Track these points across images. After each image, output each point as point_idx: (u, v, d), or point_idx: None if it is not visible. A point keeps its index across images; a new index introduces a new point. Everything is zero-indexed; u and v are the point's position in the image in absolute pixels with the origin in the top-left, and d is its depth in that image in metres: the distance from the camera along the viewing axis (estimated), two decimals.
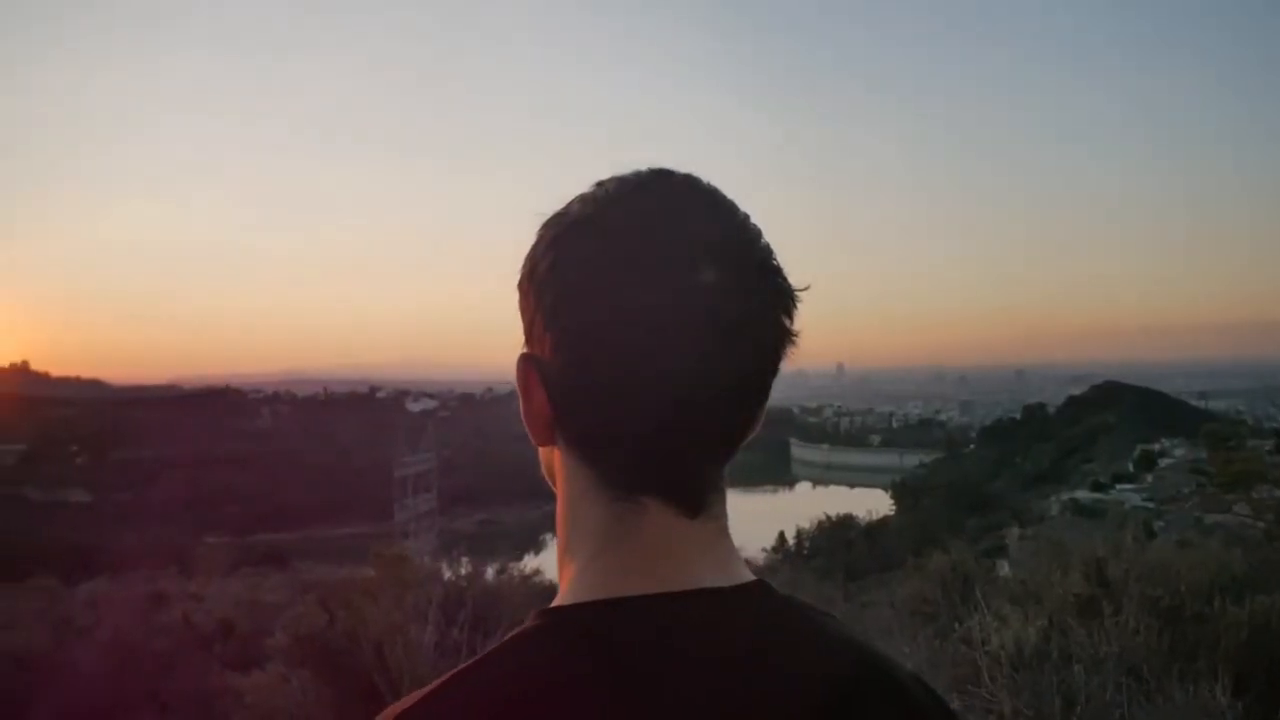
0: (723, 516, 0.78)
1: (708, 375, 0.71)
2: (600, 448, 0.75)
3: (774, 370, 0.77)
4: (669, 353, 0.70)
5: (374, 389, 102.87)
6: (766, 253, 0.76)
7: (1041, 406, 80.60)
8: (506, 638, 0.71)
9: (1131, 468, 53.87)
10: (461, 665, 0.69)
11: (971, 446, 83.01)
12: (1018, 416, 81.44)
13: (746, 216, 0.78)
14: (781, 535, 49.06)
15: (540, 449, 0.82)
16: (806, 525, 51.69)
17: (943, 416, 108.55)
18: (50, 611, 13.26)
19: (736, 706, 0.68)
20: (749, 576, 0.77)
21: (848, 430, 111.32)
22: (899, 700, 0.75)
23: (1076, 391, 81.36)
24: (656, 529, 0.74)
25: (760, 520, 54.28)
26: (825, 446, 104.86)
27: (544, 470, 0.83)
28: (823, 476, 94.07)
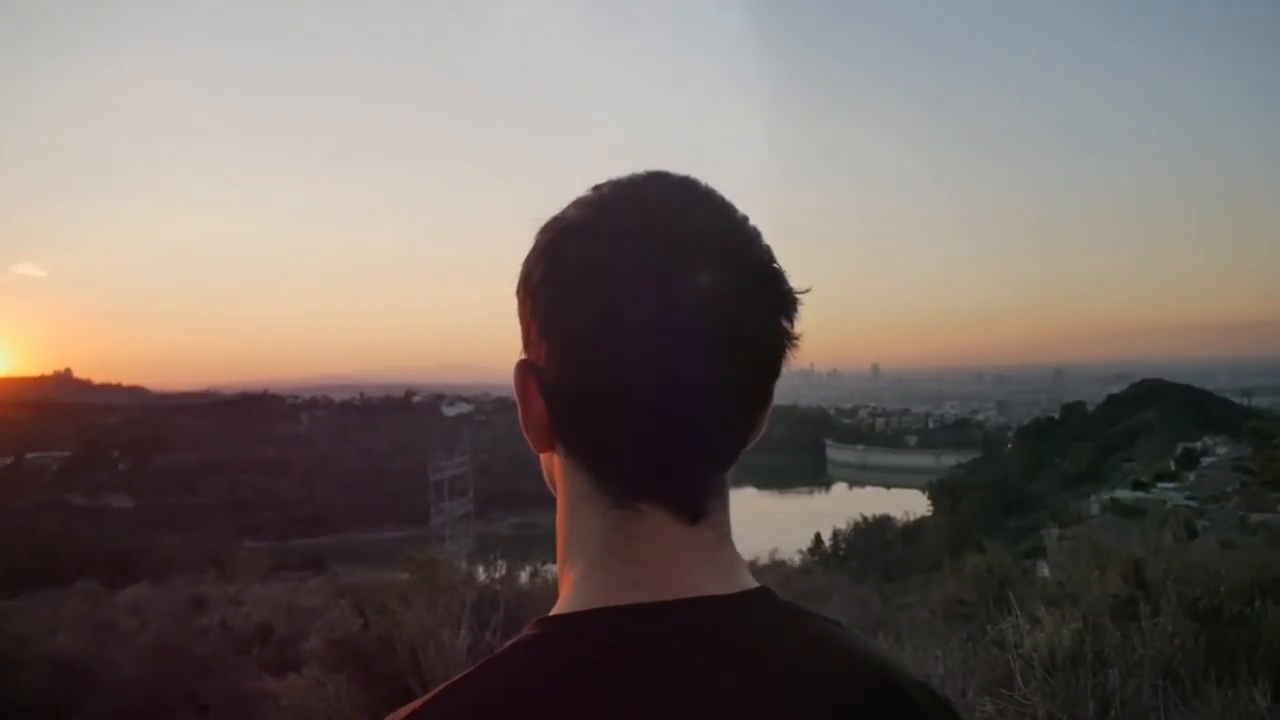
0: (724, 523, 0.77)
1: (705, 380, 0.70)
2: (597, 455, 0.74)
3: (774, 375, 0.76)
4: (664, 358, 0.69)
5: (410, 393, 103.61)
6: (766, 255, 0.75)
7: (1080, 405, 79.67)
8: (503, 646, 0.70)
9: (1173, 466, 53.16)
10: (459, 674, 0.69)
11: (1009, 446, 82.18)
12: (1056, 416, 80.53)
13: (745, 218, 0.76)
14: (818, 537, 48.86)
15: (541, 456, 0.81)
16: (843, 526, 51.46)
17: (980, 416, 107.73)
18: (93, 616, 13.47)
19: (734, 717, 0.66)
20: (751, 584, 0.75)
21: (883, 431, 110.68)
22: (903, 710, 0.73)
23: (1116, 390, 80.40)
24: (655, 536, 0.72)
25: (796, 522, 54.16)
26: (861, 447, 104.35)
27: (545, 477, 0.82)
28: (858, 478, 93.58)
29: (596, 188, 0.76)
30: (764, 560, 13.44)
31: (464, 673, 0.69)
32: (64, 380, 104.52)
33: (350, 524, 65.59)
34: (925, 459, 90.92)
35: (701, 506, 0.74)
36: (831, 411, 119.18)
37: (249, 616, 11.41)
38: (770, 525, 44.36)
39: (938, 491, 67.39)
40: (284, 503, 70.69)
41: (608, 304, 0.70)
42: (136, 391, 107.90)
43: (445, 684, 0.68)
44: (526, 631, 0.70)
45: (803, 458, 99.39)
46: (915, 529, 51.54)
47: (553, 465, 0.80)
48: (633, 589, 0.71)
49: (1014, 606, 4.20)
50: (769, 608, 0.74)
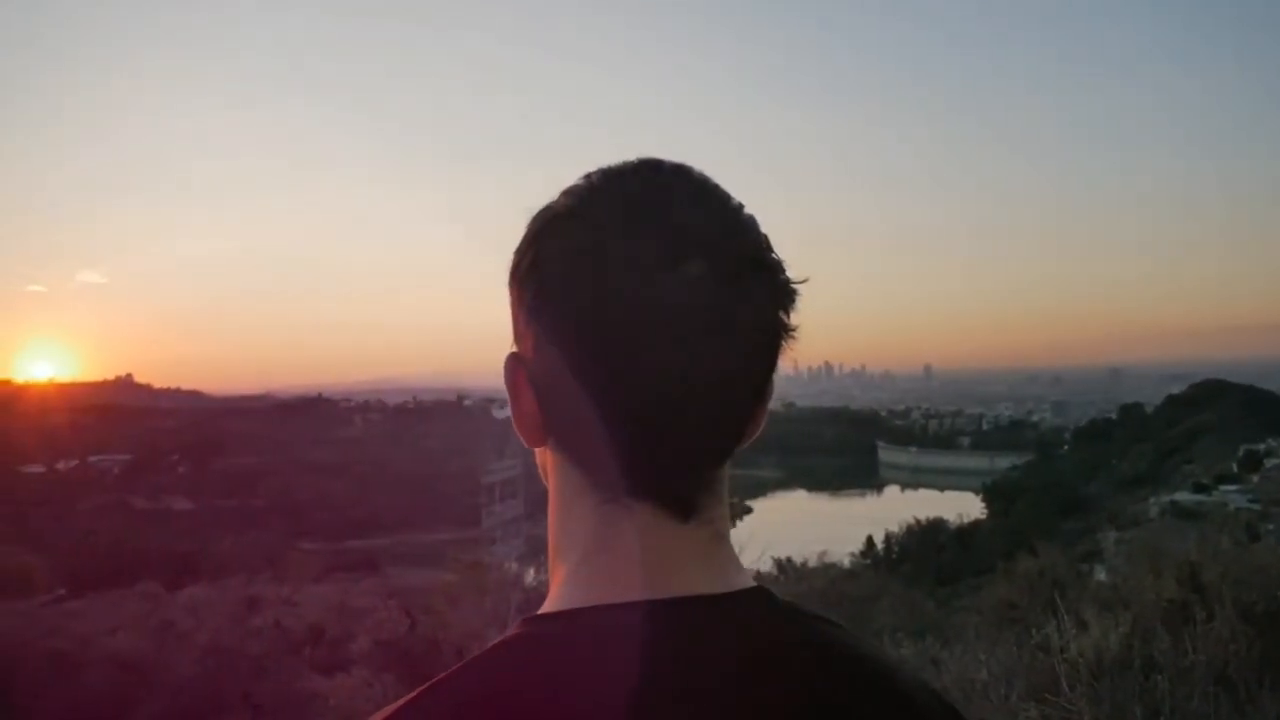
0: (719, 520, 0.75)
1: (695, 373, 0.67)
2: (586, 449, 0.72)
3: (769, 367, 0.73)
4: (652, 350, 0.66)
5: (461, 396, 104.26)
6: (759, 245, 0.73)
7: (1138, 406, 78.17)
8: (490, 645, 0.69)
9: (1235, 468, 51.92)
10: (444, 672, 0.67)
11: (1065, 448, 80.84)
12: (1113, 417, 79.12)
13: (740, 207, 0.74)
14: (869, 540, 48.39)
15: (536, 451, 0.79)
16: (895, 529, 50.93)
17: (1035, 418, 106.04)
18: (152, 616, 13.74)
19: (722, 718, 0.65)
20: (746, 583, 0.73)
21: (936, 432, 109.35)
22: (904, 715, 0.72)
23: (1175, 390, 78.64)
24: (645, 533, 0.71)
25: (848, 524, 53.73)
26: (913, 449, 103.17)
27: (540, 472, 0.80)
28: (911, 480, 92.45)
29: (587, 176, 0.74)
30: (813, 563, 13.32)
31: (449, 671, 0.67)
32: (125, 385, 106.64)
33: (403, 526, 66.13)
34: (979, 461, 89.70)
35: (693, 503, 0.72)
36: (883, 413, 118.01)
37: (302, 617, 11.59)
38: (821, 528, 44.03)
39: (992, 494, 66.50)
40: (338, 504, 71.46)
41: (593, 294, 0.67)
42: (195, 396, 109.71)
43: (430, 682, 0.67)
44: (513, 630, 0.69)
45: (854, 460, 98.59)
46: (969, 532, 50.84)
47: (546, 461, 0.78)
48: (621, 588, 0.69)
49: (1059, 610, 4.13)
50: (764, 608, 0.73)
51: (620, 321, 0.66)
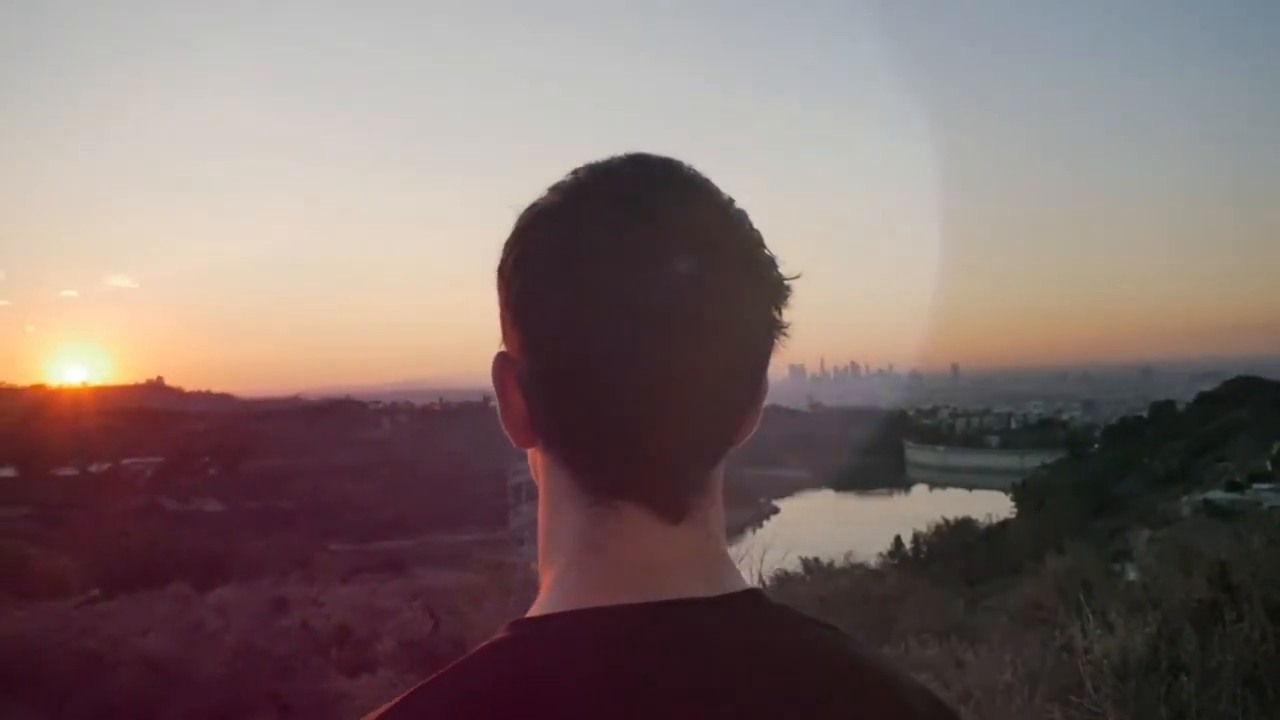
0: (711, 522, 0.73)
1: (682, 372, 0.66)
2: (573, 450, 0.71)
3: (762, 366, 0.73)
4: (637, 349, 0.65)
5: (487, 398, 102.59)
6: (750, 241, 0.71)
7: (1170, 404, 77.29)
8: (476, 649, 0.68)
9: (1269, 466, 51.25)
10: (430, 676, 0.67)
11: (1096, 447, 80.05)
12: (1145, 415, 78.23)
13: (730, 202, 0.72)
14: (898, 539, 48.10)
15: (528, 452, 0.77)
16: (924, 529, 50.60)
17: (1065, 416, 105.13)
18: (182, 616, 13.86)
19: None
20: (739, 586, 0.72)
21: (964, 432, 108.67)
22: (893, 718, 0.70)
23: (1208, 388, 77.70)
24: (633, 536, 0.69)
25: (876, 524, 53.48)
26: (941, 449, 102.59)
27: (532, 473, 0.78)
28: (939, 479, 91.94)
29: (574, 171, 0.73)
30: (839, 563, 13.25)
31: (434, 675, 0.66)
32: (156, 388, 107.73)
33: (430, 527, 66.45)
34: (1008, 460, 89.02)
35: (684, 505, 0.70)
36: (911, 412, 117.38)
37: (329, 618, 11.64)
38: (848, 527, 43.88)
39: (1022, 493, 65.93)
40: (366, 506, 71.89)
41: (576, 292, 0.66)
42: (225, 398, 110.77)
43: (415, 686, 0.66)
44: (500, 634, 0.68)
45: (881, 459, 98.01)
46: (998, 531, 50.41)
47: (536, 462, 0.76)
48: (608, 591, 0.68)
49: (1084, 610, 4.08)
50: (757, 611, 0.71)
51: (604, 320, 0.65)
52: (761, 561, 7.94)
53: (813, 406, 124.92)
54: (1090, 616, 4.07)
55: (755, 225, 0.73)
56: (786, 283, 0.72)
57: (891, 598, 9.69)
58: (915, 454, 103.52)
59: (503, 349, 0.74)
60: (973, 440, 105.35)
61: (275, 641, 10.67)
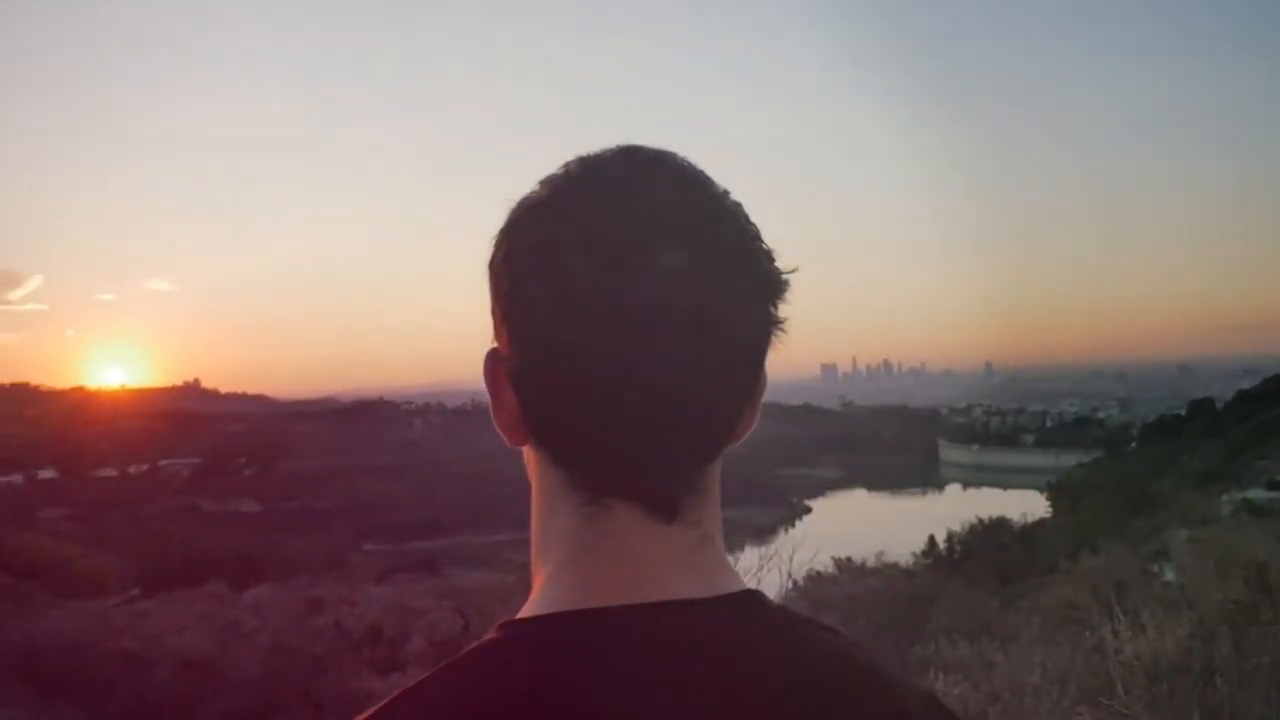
0: (705, 522, 0.72)
1: (673, 368, 0.65)
2: (565, 449, 0.70)
3: (756, 361, 0.71)
4: (627, 345, 0.64)
5: None
6: (744, 234, 0.70)
7: (1209, 401, 76.18)
8: (465, 651, 0.67)
9: None
10: (420, 678, 0.67)
11: (1133, 445, 79.15)
12: (1183, 413, 77.20)
13: (724, 194, 0.71)
14: (931, 539, 47.81)
15: (523, 450, 0.76)
16: (958, 528, 50.23)
17: (1101, 414, 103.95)
18: (219, 615, 14.07)
19: None
20: (734, 587, 0.71)
21: (998, 430, 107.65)
22: None
23: (1247, 385, 76.56)
24: (625, 536, 0.68)
25: (909, 523, 53.10)
26: (975, 447, 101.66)
27: (529, 473, 0.77)
28: (973, 478, 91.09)
29: (565, 164, 0.71)
30: (871, 562, 13.21)
31: (422, 678, 0.66)
32: (193, 390, 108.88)
33: (463, 527, 66.73)
34: (1043, 458, 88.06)
35: (677, 504, 0.69)
36: (944, 411, 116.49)
37: (361, 617, 11.75)
38: (881, 527, 43.63)
39: (1057, 492, 65.25)
40: (400, 506, 72.33)
41: (563, 287, 0.65)
42: (260, 400, 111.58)
43: (403, 689, 0.65)
44: (489, 635, 0.68)
45: (915, 458, 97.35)
46: (1034, 530, 49.96)
47: (530, 461, 0.76)
48: (600, 592, 0.67)
49: (1115, 610, 4.03)
50: (752, 613, 0.70)
51: (591, 315, 0.64)
52: (791, 561, 7.93)
53: (845, 405, 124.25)
54: (1121, 617, 4.02)
55: (751, 218, 0.71)
56: (784, 277, 0.71)
57: (922, 597, 9.63)
58: (949, 453, 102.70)
59: (494, 346, 0.73)
60: (1007, 439, 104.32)
61: (309, 640, 10.78)
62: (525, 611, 0.69)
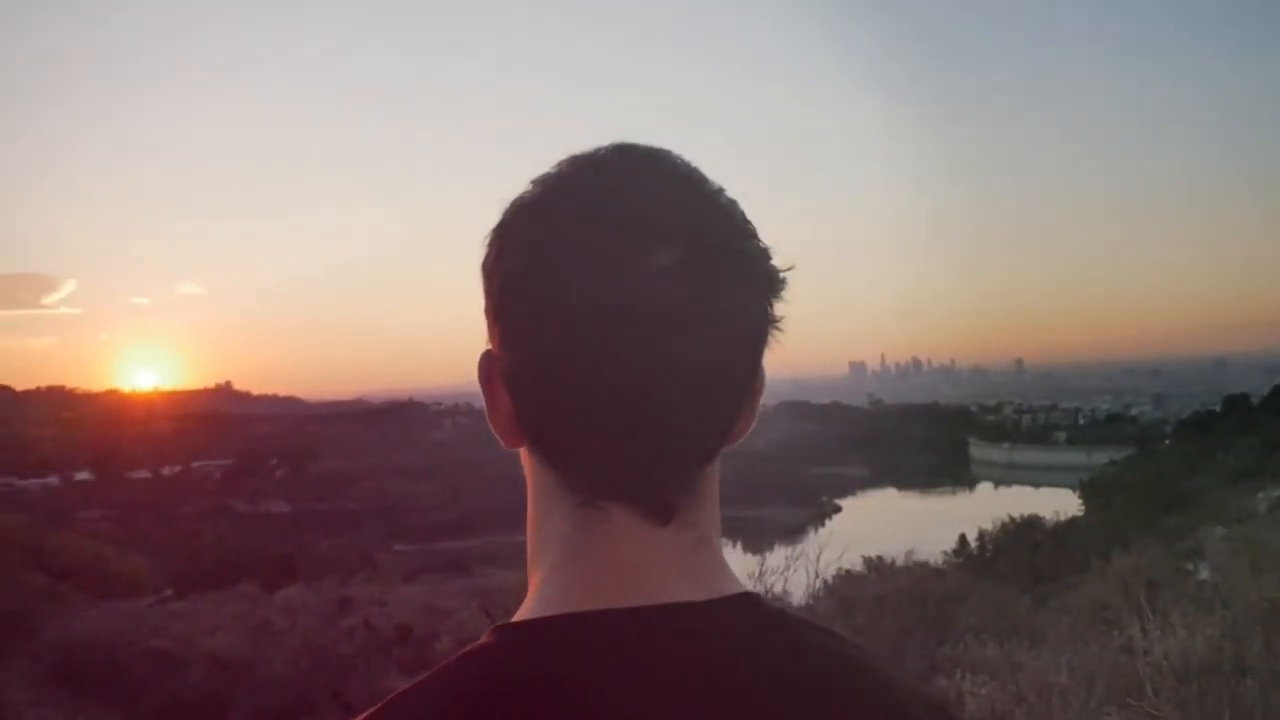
0: (703, 524, 0.71)
1: (665, 369, 0.64)
2: (559, 450, 0.69)
3: (753, 361, 0.70)
4: (619, 344, 0.63)
5: None
6: (739, 232, 0.69)
7: (1244, 397, 75.16)
8: (458, 654, 0.67)
9: None
10: (412, 682, 0.66)
11: (1167, 442, 78.25)
12: (1218, 409, 76.25)
13: (719, 191, 0.70)
14: (962, 537, 47.51)
15: (520, 452, 0.76)
16: (989, 527, 49.89)
17: (1134, 411, 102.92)
18: (250, 616, 14.19)
19: None
20: (732, 589, 0.70)
21: (1029, 428, 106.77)
22: None
23: None
24: (621, 538, 0.68)
25: (940, 522, 52.80)
26: (1006, 445, 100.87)
27: (526, 474, 0.77)
28: (1004, 476, 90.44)
29: (558, 164, 0.71)
30: (901, 561, 13.14)
31: (414, 681, 0.66)
32: (225, 392, 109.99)
33: (492, 527, 66.86)
34: (1075, 456, 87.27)
35: (672, 506, 0.68)
36: (974, 409, 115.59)
37: (391, 618, 11.82)
38: (911, 526, 43.36)
39: (1089, 490, 64.67)
40: (430, 507, 72.75)
41: (554, 287, 0.65)
42: (291, 402, 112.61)
43: (395, 693, 0.65)
44: (483, 638, 0.67)
45: (945, 456, 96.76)
46: (1066, 529, 49.53)
47: (526, 463, 0.75)
48: (594, 595, 0.66)
49: (1144, 610, 3.98)
50: (750, 616, 0.69)
51: (582, 315, 0.64)
52: (818, 560, 7.89)
53: (873, 403, 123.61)
54: (1150, 616, 3.97)
55: (746, 216, 0.70)
56: (780, 275, 0.70)
57: (952, 596, 9.56)
58: (979, 451, 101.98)
59: (489, 347, 0.72)
60: (1039, 436, 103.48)
61: (339, 640, 10.87)
62: (519, 615, 0.69)
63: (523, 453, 0.75)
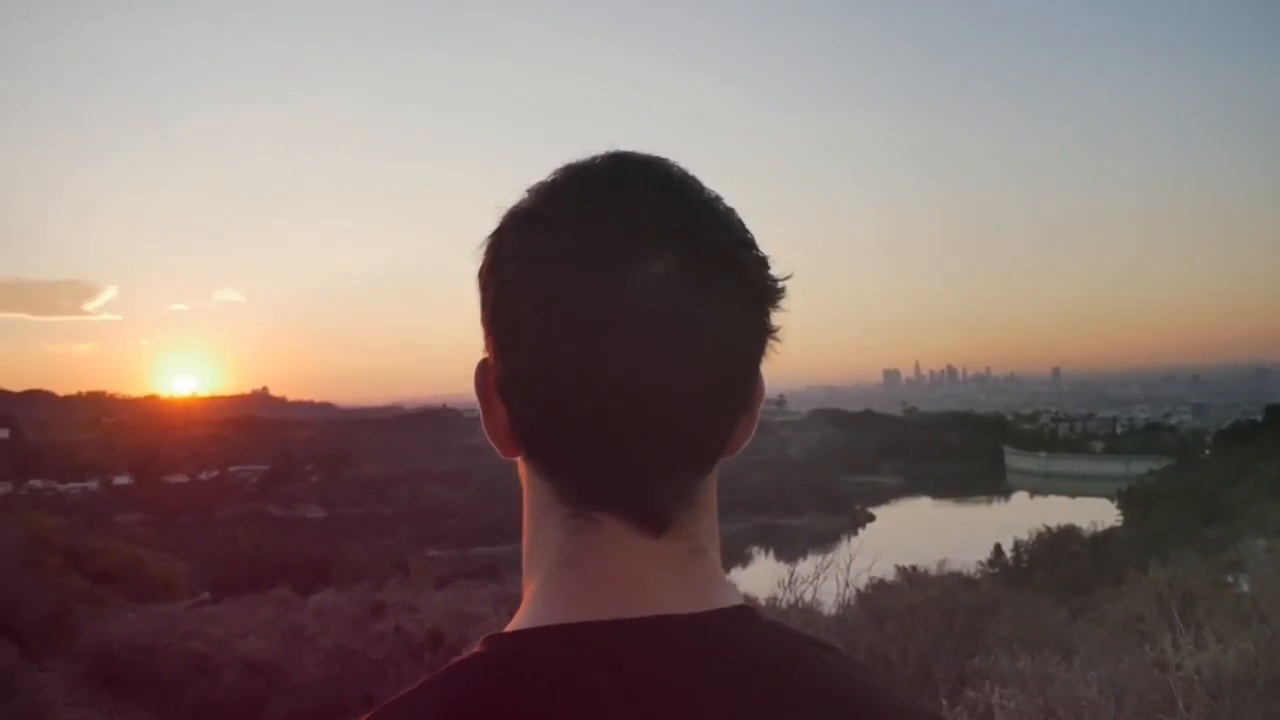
0: (698, 535, 0.70)
1: (658, 378, 0.63)
2: (552, 460, 0.69)
3: (749, 371, 0.69)
4: (610, 355, 0.62)
5: None
6: (735, 240, 0.68)
7: None
8: (448, 665, 0.67)
9: None
10: (401, 692, 0.66)
11: (1207, 452, 77.09)
12: (1259, 418, 75.07)
13: (715, 199, 0.69)
14: (998, 547, 47.06)
15: (516, 462, 0.75)
16: (1025, 536, 49.38)
17: (1173, 420, 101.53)
18: (283, 620, 14.32)
19: None
20: (727, 602, 0.69)
21: (1066, 437, 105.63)
22: None
23: None
24: (613, 549, 0.67)
25: (975, 532, 52.35)
26: (1042, 454, 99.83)
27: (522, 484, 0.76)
28: (1041, 486, 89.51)
29: (554, 172, 0.71)
30: (933, 571, 13.03)
31: (403, 692, 0.65)
32: (261, 398, 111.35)
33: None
34: (1113, 466, 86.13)
35: (666, 517, 0.67)
36: (1010, 417, 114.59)
37: (422, 623, 11.88)
38: (945, 535, 43.05)
39: (1128, 500, 63.85)
40: (463, 512, 73.04)
41: (545, 296, 0.64)
42: (326, 407, 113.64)
43: (387, 702, 0.65)
44: (474, 649, 0.67)
45: (980, 465, 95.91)
46: (1104, 540, 48.92)
47: (521, 473, 0.75)
48: (586, 606, 0.65)
49: (1176, 624, 3.91)
50: (743, 628, 0.68)
51: (572, 325, 0.63)
52: (847, 570, 7.84)
53: (908, 411, 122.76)
54: (1183, 629, 3.91)
55: (744, 224, 0.70)
56: (779, 284, 0.69)
57: (984, 607, 9.46)
58: (1015, 460, 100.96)
59: (485, 356, 0.72)
60: (1076, 445, 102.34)
61: (370, 645, 10.94)
62: (512, 625, 0.69)
63: (519, 462, 0.74)
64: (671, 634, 0.65)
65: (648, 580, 0.67)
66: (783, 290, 0.69)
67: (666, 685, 0.63)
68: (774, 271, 0.69)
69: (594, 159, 0.70)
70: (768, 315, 0.69)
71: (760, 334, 0.69)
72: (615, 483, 0.66)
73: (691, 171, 0.71)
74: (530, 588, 0.71)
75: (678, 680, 0.63)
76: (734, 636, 0.67)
